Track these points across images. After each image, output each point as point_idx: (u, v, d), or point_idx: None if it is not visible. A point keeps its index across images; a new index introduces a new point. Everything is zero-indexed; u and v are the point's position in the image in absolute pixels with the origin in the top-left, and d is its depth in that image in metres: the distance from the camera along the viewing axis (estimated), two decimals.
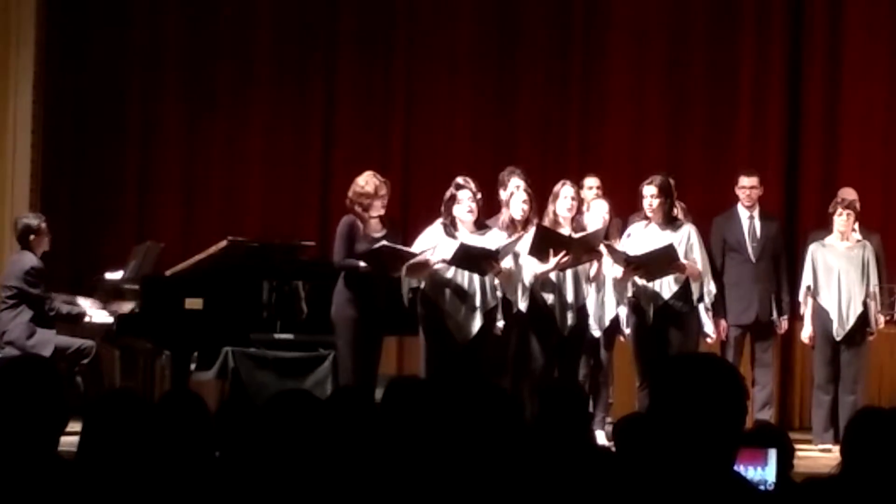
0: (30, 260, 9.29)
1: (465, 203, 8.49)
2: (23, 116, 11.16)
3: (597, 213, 9.03)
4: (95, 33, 11.61)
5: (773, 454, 4.53)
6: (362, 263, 8.48)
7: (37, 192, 11.20)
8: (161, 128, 11.74)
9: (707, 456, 2.98)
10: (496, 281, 8.49)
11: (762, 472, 4.45)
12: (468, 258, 8.39)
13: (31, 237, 9.36)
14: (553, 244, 8.55)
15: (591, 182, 9.77)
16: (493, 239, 8.53)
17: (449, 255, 8.38)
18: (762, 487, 4.40)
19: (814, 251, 9.47)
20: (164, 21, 11.79)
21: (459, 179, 8.62)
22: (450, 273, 8.47)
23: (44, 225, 9.42)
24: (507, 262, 8.48)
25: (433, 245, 8.46)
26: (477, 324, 8.45)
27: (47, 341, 9.16)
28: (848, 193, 9.82)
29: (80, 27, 11.59)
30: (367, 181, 8.66)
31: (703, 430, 2.98)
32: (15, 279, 9.26)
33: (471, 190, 8.53)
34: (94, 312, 9.50)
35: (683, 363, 3.12)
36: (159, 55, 11.76)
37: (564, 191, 8.76)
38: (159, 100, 11.75)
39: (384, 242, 8.45)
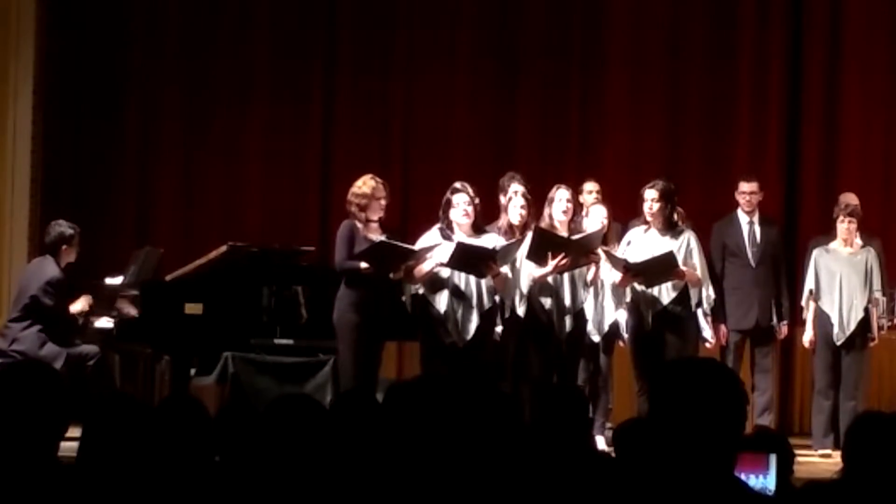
0: (52, 270, 9.17)
1: (460, 207, 8.51)
2: (23, 119, 11.15)
3: (596, 218, 9.04)
4: (95, 35, 11.60)
5: (773, 460, 4.52)
6: (363, 264, 8.48)
7: (37, 195, 11.19)
8: (161, 131, 11.74)
9: (707, 461, 2.98)
10: (492, 283, 8.50)
11: (763, 480, 4.44)
12: (465, 258, 8.40)
13: (63, 247, 9.25)
14: (551, 246, 8.55)
15: (591, 187, 9.79)
16: (490, 241, 8.53)
17: (446, 258, 8.40)
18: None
19: (817, 256, 9.47)
20: (165, 22, 11.79)
21: (457, 184, 8.63)
22: (446, 274, 8.48)
23: (76, 235, 9.33)
24: (503, 269, 8.49)
25: (435, 244, 8.47)
26: (474, 325, 8.46)
27: (59, 353, 9.08)
28: (850, 199, 9.82)
29: (80, 29, 11.59)
30: (364, 182, 8.69)
31: (703, 435, 2.97)
32: (34, 288, 9.14)
33: (468, 194, 8.55)
34: (96, 318, 9.48)
35: (683, 368, 3.12)
36: (159, 56, 11.77)
37: (560, 195, 8.77)
38: (159, 102, 11.75)
39: (383, 239, 8.47)
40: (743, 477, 4.25)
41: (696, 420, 2.98)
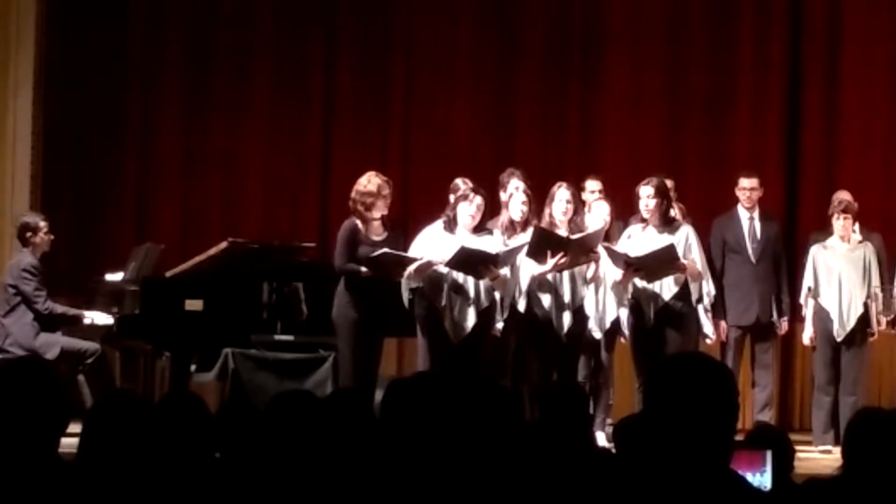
0: (26, 259, 9.30)
1: (473, 206, 8.49)
2: (23, 117, 11.15)
3: (598, 215, 9.03)
4: (95, 34, 11.60)
5: (769, 456, 4.52)
6: (364, 269, 8.48)
7: (37, 192, 11.19)
8: (161, 128, 11.73)
9: (702, 454, 2.98)
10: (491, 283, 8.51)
11: (760, 478, 4.44)
12: (466, 261, 8.40)
13: (28, 235, 9.35)
14: (551, 245, 8.55)
15: (593, 186, 9.77)
16: (491, 243, 8.53)
17: (447, 258, 8.40)
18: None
19: (815, 253, 9.48)
20: (164, 21, 11.78)
21: (474, 186, 8.65)
22: (445, 270, 8.48)
23: (42, 224, 9.39)
24: (503, 270, 8.49)
25: (431, 249, 8.47)
26: (471, 322, 8.45)
27: (53, 343, 9.14)
28: (843, 196, 9.81)
29: (80, 28, 11.59)
30: (369, 180, 8.67)
31: (696, 429, 2.97)
32: (12, 278, 9.28)
33: (483, 198, 8.55)
34: (95, 315, 9.49)
35: (673, 363, 3.13)
36: (159, 55, 11.76)
37: (560, 193, 8.76)
38: (159, 100, 11.74)
39: (385, 250, 8.45)
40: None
41: (688, 414, 2.98)
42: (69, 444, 3.70)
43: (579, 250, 8.59)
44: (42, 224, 9.40)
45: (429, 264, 8.44)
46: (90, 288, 10.12)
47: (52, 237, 9.46)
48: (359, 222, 8.61)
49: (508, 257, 8.49)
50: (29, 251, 9.36)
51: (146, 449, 4.01)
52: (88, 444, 4.01)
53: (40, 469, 3.32)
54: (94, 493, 3.52)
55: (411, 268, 8.42)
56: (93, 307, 9.66)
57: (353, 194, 8.69)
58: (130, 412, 4.07)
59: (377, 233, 8.63)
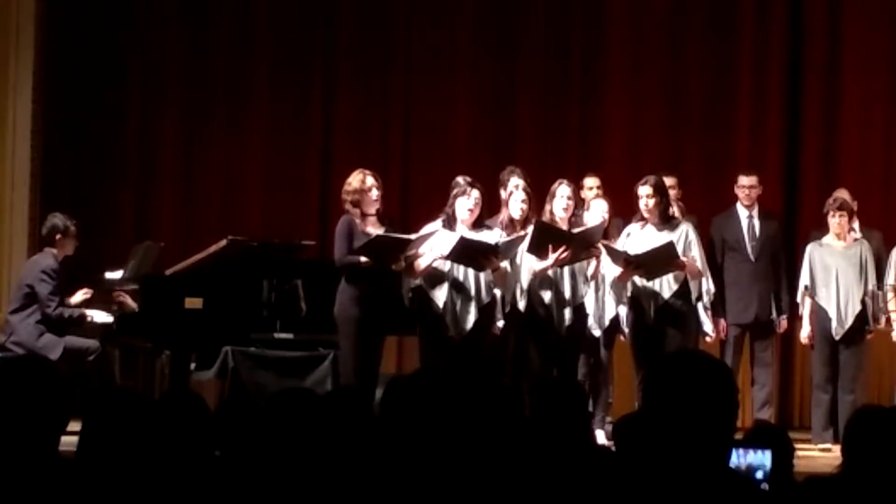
0: (47, 261, 9.28)
1: (471, 200, 8.51)
2: (23, 116, 11.15)
3: (596, 213, 9.04)
4: (95, 34, 11.61)
5: (767, 454, 4.52)
6: (363, 258, 8.49)
7: (37, 192, 11.19)
8: (161, 127, 11.75)
9: (701, 452, 2.98)
10: (491, 277, 8.51)
11: (762, 455, 4.45)
12: (466, 252, 8.41)
13: (57, 237, 9.33)
14: (552, 239, 8.56)
15: (591, 182, 9.78)
16: (492, 237, 8.54)
17: (447, 251, 8.41)
18: (761, 472, 4.41)
19: (811, 251, 9.48)
20: (164, 21, 11.79)
21: (471, 180, 8.66)
22: (446, 268, 8.49)
23: (73, 228, 9.39)
24: (503, 264, 8.50)
25: (434, 230, 8.48)
26: (471, 319, 8.47)
27: (56, 343, 9.13)
28: (840, 194, 9.81)
29: (80, 28, 11.59)
30: (353, 177, 8.72)
31: (695, 427, 2.98)
32: (28, 277, 9.27)
33: (481, 192, 8.56)
34: (95, 313, 9.49)
35: (673, 360, 3.13)
36: (159, 55, 11.77)
37: (561, 190, 8.77)
38: (159, 100, 11.75)
39: (380, 233, 8.47)
40: (741, 453, 4.28)
41: (688, 412, 2.98)
42: (69, 441, 3.71)
43: (580, 245, 8.60)
44: (72, 228, 9.39)
45: (426, 264, 8.44)
46: (90, 286, 10.11)
47: (78, 243, 9.44)
48: (354, 218, 8.64)
49: (509, 248, 8.49)
50: (51, 252, 9.33)
51: (146, 447, 4.01)
52: (88, 441, 4.02)
53: (40, 467, 3.32)
54: (93, 491, 3.52)
55: (406, 256, 8.43)
56: (93, 305, 9.66)
57: (342, 194, 8.74)
58: (130, 410, 4.07)
59: (374, 227, 8.64)
